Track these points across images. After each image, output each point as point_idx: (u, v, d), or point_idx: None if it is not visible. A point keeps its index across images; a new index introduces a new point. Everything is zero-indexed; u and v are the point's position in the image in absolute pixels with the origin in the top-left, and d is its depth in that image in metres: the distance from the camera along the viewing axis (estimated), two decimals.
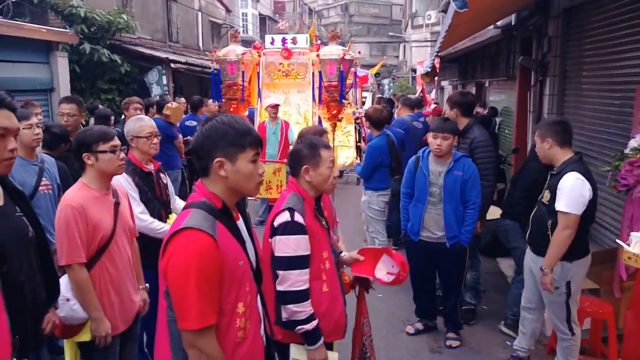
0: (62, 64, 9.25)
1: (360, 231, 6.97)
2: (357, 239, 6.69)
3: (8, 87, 7.88)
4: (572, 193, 3.34)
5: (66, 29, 10.19)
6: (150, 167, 3.66)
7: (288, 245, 2.45)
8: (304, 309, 2.45)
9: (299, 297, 2.44)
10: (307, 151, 2.63)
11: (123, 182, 3.38)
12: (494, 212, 4.87)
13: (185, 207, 1.90)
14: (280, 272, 2.46)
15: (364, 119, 6.78)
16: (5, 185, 2.15)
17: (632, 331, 3.76)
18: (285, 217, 2.49)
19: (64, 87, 9.18)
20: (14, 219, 2.13)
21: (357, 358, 3.12)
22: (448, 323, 4.52)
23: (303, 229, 2.48)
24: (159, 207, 3.61)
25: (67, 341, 2.76)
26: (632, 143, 3.60)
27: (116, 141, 2.82)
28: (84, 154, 2.74)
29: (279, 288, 2.46)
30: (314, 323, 2.47)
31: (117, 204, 2.84)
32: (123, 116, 7.51)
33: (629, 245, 2.87)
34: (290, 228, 2.47)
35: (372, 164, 5.61)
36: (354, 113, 12.29)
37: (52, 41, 9.03)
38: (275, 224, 2.50)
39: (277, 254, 2.48)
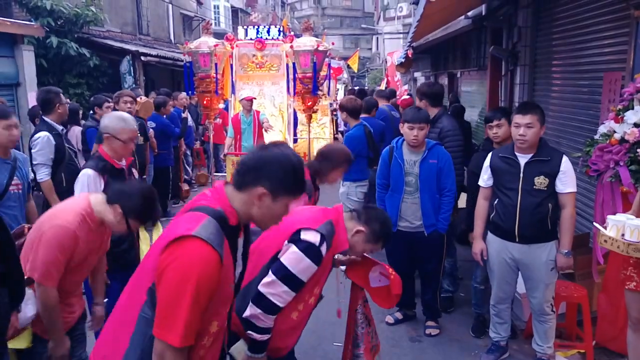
0: (27, 58, 9.03)
1: None
2: None
3: None
4: (573, 173, 3.53)
5: (31, 21, 9.92)
6: (123, 163, 3.54)
7: (298, 264, 2.38)
8: (267, 320, 2.39)
9: (271, 308, 2.38)
10: (376, 227, 2.61)
11: (89, 181, 3.28)
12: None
13: (197, 208, 1.78)
14: (272, 276, 2.39)
15: (340, 108, 6.80)
16: None
17: (606, 314, 3.85)
18: (314, 239, 2.40)
19: (30, 81, 8.97)
20: None
21: (351, 344, 3.12)
22: (427, 311, 4.55)
23: (320, 260, 2.42)
24: None
25: None
26: (602, 129, 3.66)
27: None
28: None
29: (262, 289, 2.39)
30: (265, 337, 2.41)
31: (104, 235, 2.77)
32: (92, 112, 7.36)
33: (605, 228, 2.91)
34: (312, 253, 2.39)
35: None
36: (331, 105, 12.29)
37: (16, 34, 8.80)
38: (303, 237, 2.40)
39: (283, 260, 2.40)
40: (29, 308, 2.45)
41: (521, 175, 3.59)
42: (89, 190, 3.19)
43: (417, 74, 17.69)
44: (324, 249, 2.41)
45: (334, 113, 12.25)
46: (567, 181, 3.52)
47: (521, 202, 3.58)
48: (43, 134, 4.62)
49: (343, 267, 3.00)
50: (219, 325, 1.83)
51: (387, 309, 4.75)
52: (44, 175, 4.53)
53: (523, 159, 3.60)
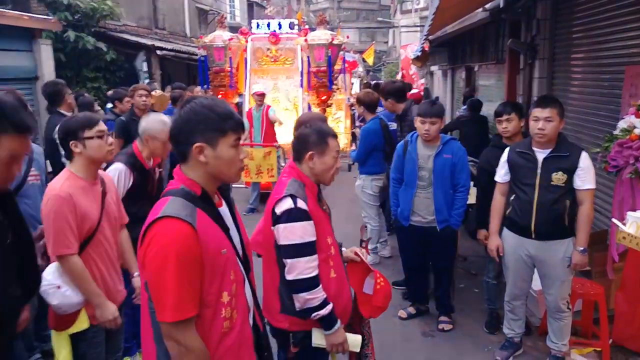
0: (45, 52, 9.08)
1: (349, 218, 6.95)
2: (348, 226, 6.66)
3: None
4: (592, 170, 3.46)
5: (49, 16, 9.99)
6: (151, 163, 3.63)
7: (294, 233, 2.37)
8: (316, 295, 2.38)
9: (310, 284, 2.37)
10: (314, 137, 2.54)
11: (120, 175, 3.34)
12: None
13: (163, 195, 1.82)
14: (288, 261, 2.39)
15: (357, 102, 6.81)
16: None
17: (623, 312, 3.79)
18: (287, 204, 2.39)
19: (48, 75, 9.02)
20: None
21: None
22: (440, 307, 4.52)
23: (307, 215, 2.40)
24: (147, 206, 3.54)
25: (57, 336, 2.66)
26: (621, 124, 3.59)
27: (102, 126, 2.74)
28: (70, 142, 2.66)
29: (289, 277, 2.39)
30: (329, 307, 2.41)
31: (104, 193, 2.78)
32: (111, 105, 7.41)
33: (624, 224, 2.85)
34: (295, 215, 2.38)
35: (367, 147, 5.60)
36: (348, 99, 12.25)
37: (35, 29, 8.85)
38: (278, 211, 2.40)
39: (282, 242, 2.40)
40: (71, 293, 2.52)
41: (539, 171, 3.53)
42: (118, 184, 3.28)
43: (433, 68, 17.54)
44: (301, 204, 2.40)
45: (352, 108, 12.20)
46: (585, 177, 3.45)
47: (538, 198, 3.53)
48: None
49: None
50: (232, 294, 1.82)
51: (400, 305, 4.74)
52: None
53: (541, 155, 3.54)
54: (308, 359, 2.57)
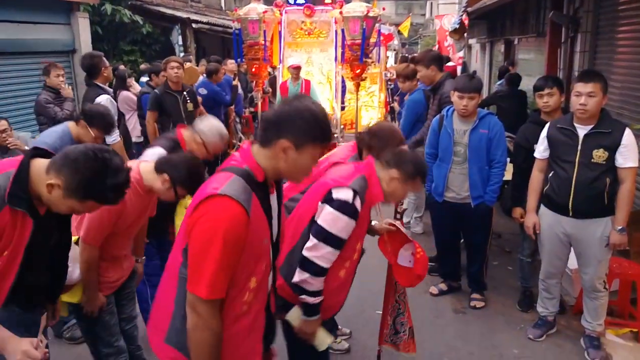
0: (83, 25, 9.22)
1: None
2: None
3: (31, 48, 7.92)
4: (636, 147, 3.35)
5: None
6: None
7: (335, 223, 2.36)
8: (317, 282, 2.40)
9: (318, 271, 2.38)
10: (410, 168, 2.51)
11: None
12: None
13: (225, 169, 1.82)
14: (314, 239, 2.39)
15: (397, 79, 6.77)
16: None
17: None
18: (347, 195, 2.38)
19: (85, 48, 9.17)
20: (48, 228, 2.09)
21: (390, 314, 3.12)
22: (472, 284, 4.48)
23: (356, 215, 2.40)
24: None
25: None
26: None
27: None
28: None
29: (306, 253, 2.40)
30: (318, 299, 2.42)
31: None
32: (147, 78, 7.48)
33: None
34: (347, 209, 2.36)
35: (413, 117, 5.56)
36: (386, 74, 12.08)
37: (72, 2, 8.98)
38: (335, 195, 2.39)
39: (320, 222, 2.39)
40: (72, 270, 2.56)
41: (579, 147, 3.43)
42: None
43: (472, 41, 17.11)
44: (358, 203, 2.39)
45: (389, 82, 12.03)
46: (628, 155, 3.33)
47: (577, 176, 3.43)
48: (105, 97, 4.77)
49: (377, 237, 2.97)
50: (258, 281, 1.85)
51: (431, 281, 4.73)
52: (115, 136, 4.65)
53: (582, 131, 3.43)
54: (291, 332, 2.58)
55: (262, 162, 1.81)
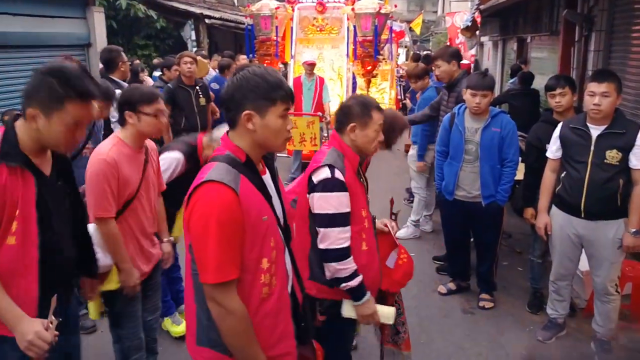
0: (98, 20, 9.24)
1: (389, 190, 6.88)
2: (386, 199, 6.62)
3: (47, 42, 7.97)
4: None
5: None
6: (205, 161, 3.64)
7: (329, 203, 2.39)
8: (347, 266, 2.40)
9: (341, 254, 2.39)
10: (358, 109, 2.54)
11: (177, 164, 3.36)
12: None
13: (209, 160, 1.85)
14: (321, 230, 2.41)
15: (408, 77, 6.74)
16: (54, 154, 2.16)
17: None
18: (325, 173, 2.41)
19: (100, 42, 9.19)
20: (57, 189, 2.15)
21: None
22: (482, 284, 4.45)
23: (343, 186, 2.41)
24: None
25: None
26: None
27: (160, 104, 2.77)
28: (126, 111, 2.72)
29: (320, 246, 2.42)
30: (359, 279, 2.43)
31: (145, 162, 2.83)
32: (160, 72, 7.51)
33: None
34: (331, 185, 2.39)
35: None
36: (398, 71, 12.05)
37: None
38: (315, 180, 2.43)
39: (316, 211, 2.42)
40: (101, 256, 2.58)
41: (592, 148, 3.39)
42: (172, 172, 3.31)
43: (484, 39, 16.99)
44: (338, 174, 2.41)
45: (401, 79, 12.00)
46: None
47: (590, 177, 3.40)
48: (119, 92, 4.78)
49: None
50: (270, 261, 1.85)
51: (440, 280, 4.71)
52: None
53: (595, 131, 3.39)
54: (335, 328, 2.59)
55: (239, 143, 1.84)
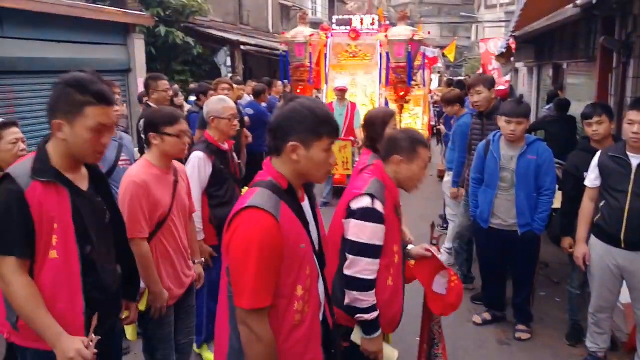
0: (138, 46, 9.56)
1: (424, 217, 6.84)
2: (422, 225, 6.56)
3: (89, 67, 8.20)
4: None
5: (143, 12, 10.49)
6: (226, 146, 3.74)
7: (364, 232, 2.38)
8: (368, 298, 2.38)
9: (365, 285, 2.38)
10: (406, 143, 2.55)
11: (200, 163, 3.48)
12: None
13: (251, 185, 1.89)
14: (350, 256, 2.40)
15: (442, 103, 6.75)
16: (90, 169, 2.22)
17: None
18: (365, 202, 2.40)
19: (140, 68, 9.50)
20: (95, 204, 2.20)
21: (427, 343, 3.07)
22: (518, 315, 4.36)
23: (381, 219, 2.40)
24: (233, 185, 3.74)
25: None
26: None
27: (183, 126, 2.85)
28: (150, 133, 2.80)
29: (347, 272, 2.41)
30: (374, 314, 2.41)
31: (175, 182, 2.90)
32: (194, 98, 7.67)
33: None
34: (370, 215, 2.38)
35: (465, 140, 5.45)
36: (432, 97, 12.07)
37: (129, 24, 9.34)
38: (354, 206, 2.42)
39: (350, 237, 2.41)
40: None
41: (632, 177, 3.33)
42: (199, 171, 3.47)
43: (518, 65, 16.88)
44: (378, 206, 2.40)
45: (435, 105, 12.01)
46: None
47: (630, 206, 3.33)
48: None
49: (412, 262, 2.93)
50: (305, 289, 1.87)
51: (475, 310, 4.63)
52: None
53: (636, 160, 3.34)
54: (360, 355, 2.55)
55: (282, 170, 1.88)
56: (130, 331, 2.88)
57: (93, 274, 2.09)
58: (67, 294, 2.03)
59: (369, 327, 2.43)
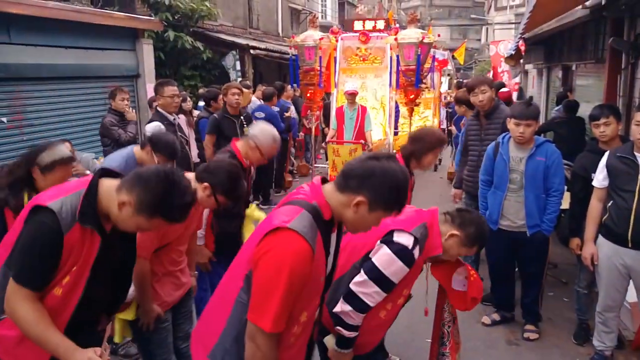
0: (147, 51, 9.59)
1: None
2: None
3: (97, 73, 8.34)
4: None
5: (151, 17, 10.55)
6: (247, 162, 3.75)
7: (390, 266, 2.38)
8: (356, 318, 2.42)
9: (362, 307, 2.41)
10: (474, 234, 2.56)
11: None
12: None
13: (294, 202, 1.85)
14: (364, 275, 2.41)
15: (455, 102, 6.77)
16: None
17: None
18: (409, 242, 2.39)
19: (149, 73, 9.53)
20: (113, 243, 2.16)
21: (437, 343, 3.10)
22: (527, 315, 4.38)
23: (411, 264, 2.42)
24: (243, 200, 3.72)
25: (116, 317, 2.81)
26: None
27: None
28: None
29: (353, 287, 2.43)
30: (353, 334, 2.44)
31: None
32: (202, 103, 7.74)
33: None
34: (404, 256, 2.38)
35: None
36: (445, 98, 12.06)
37: (138, 29, 9.38)
38: (396, 238, 2.40)
39: (375, 261, 2.41)
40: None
41: None
42: None
43: (528, 67, 16.82)
44: (416, 252, 2.40)
45: (449, 105, 12.03)
46: None
47: (637, 206, 3.35)
48: (154, 124, 5.02)
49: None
50: (309, 315, 1.90)
51: (484, 310, 4.64)
52: None
53: None
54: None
55: (332, 203, 1.83)
56: (117, 334, 2.88)
57: (85, 307, 2.09)
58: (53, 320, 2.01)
59: (344, 342, 2.46)
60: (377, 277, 2.39)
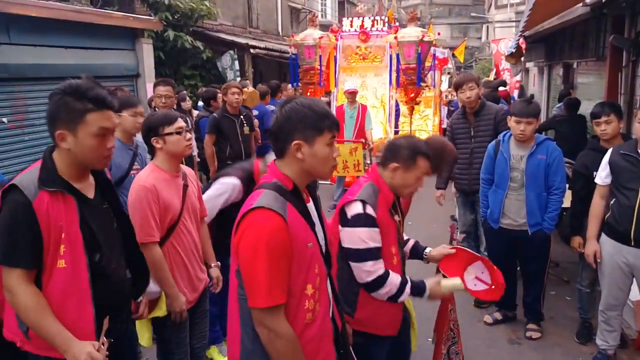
0: (147, 51, 9.59)
1: (435, 218, 6.84)
2: (434, 226, 6.57)
3: (97, 73, 8.30)
4: None
5: (151, 16, 10.53)
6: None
7: (359, 237, 2.41)
8: (390, 286, 2.43)
9: (381, 281, 2.42)
10: (405, 152, 2.55)
11: (233, 190, 3.35)
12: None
13: (257, 188, 1.92)
14: (353, 264, 2.44)
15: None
16: (96, 176, 2.23)
17: None
18: (357, 208, 2.44)
19: (148, 72, 9.53)
20: (102, 211, 2.21)
21: (444, 343, 3.09)
22: (528, 313, 4.36)
23: (374, 222, 2.43)
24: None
25: (139, 321, 2.78)
26: None
27: (180, 123, 2.87)
28: (152, 139, 2.82)
29: (360, 280, 2.45)
30: (407, 289, 2.47)
31: (185, 186, 2.91)
32: (201, 103, 7.72)
33: None
34: (362, 221, 2.42)
35: None
36: (446, 96, 12.04)
37: (137, 28, 9.37)
38: (348, 214, 2.45)
39: (345, 245, 2.45)
40: (151, 282, 2.63)
41: None
42: (227, 196, 3.34)
43: (529, 65, 16.80)
44: (370, 210, 2.42)
45: (451, 102, 12.03)
46: None
47: None
48: None
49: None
50: (314, 287, 1.89)
51: (486, 309, 4.63)
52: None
53: None
54: (365, 355, 2.56)
55: (286, 171, 1.90)
56: (145, 337, 2.89)
57: (102, 281, 2.09)
58: (76, 301, 2.03)
59: (416, 291, 2.51)
60: (357, 256, 2.42)
